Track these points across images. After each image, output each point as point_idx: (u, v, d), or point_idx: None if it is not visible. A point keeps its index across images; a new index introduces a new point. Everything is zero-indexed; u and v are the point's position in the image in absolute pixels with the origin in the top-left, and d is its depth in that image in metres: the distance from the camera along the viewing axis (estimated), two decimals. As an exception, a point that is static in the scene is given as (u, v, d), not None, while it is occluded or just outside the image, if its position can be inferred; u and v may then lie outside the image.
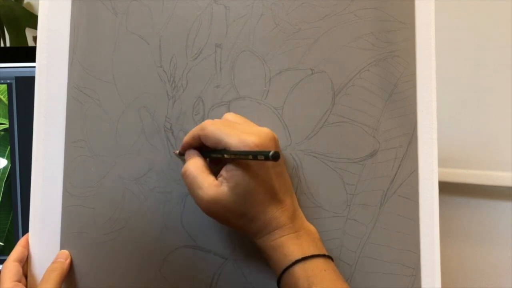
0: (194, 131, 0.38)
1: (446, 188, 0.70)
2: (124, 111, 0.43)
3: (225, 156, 0.35)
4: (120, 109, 0.43)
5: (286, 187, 0.37)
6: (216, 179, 0.36)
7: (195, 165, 0.37)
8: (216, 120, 0.38)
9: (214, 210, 0.36)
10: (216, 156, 0.36)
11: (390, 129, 0.41)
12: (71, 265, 0.42)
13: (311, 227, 0.38)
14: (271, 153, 0.31)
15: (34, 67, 0.44)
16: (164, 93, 0.42)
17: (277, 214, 0.36)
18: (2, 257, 0.59)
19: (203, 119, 0.42)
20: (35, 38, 0.85)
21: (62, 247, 0.42)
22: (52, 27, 0.44)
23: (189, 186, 0.37)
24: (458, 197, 0.72)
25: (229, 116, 0.39)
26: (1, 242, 0.60)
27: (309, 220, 0.40)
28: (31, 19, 0.77)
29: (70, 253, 0.42)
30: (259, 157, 0.32)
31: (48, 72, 0.43)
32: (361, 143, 0.41)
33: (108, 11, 0.43)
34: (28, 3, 0.89)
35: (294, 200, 0.38)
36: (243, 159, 0.34)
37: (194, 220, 0.41)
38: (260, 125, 0.41)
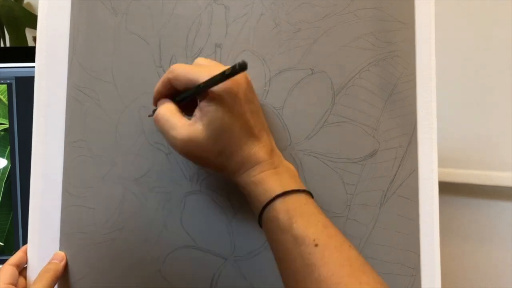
0: (163, 77, 0.37)
1: (446, 188, 0.70)
2: (124, 111, 0.43)
3: (197, 90, 0.34)
4: (120, 109, 0.43)
5: (262, 124, 0.37)
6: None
7: (166, 108, 0.36)
8: (185, 64, 0.37)
9: (189, 149, 0.35)
10: (188, 95, 0.36)
11: (390, 129, 0.41)
12: (69, 265, 0.42)
13: (290, 165, 0.38)
14: (237, 63, 0.30)
15: (34, 67, 0.44)
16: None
17: (255, 149, 0.35)
18: (2, 257, 0.59)
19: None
20: (35, 38, 0.85)
21: (61, 247, 0.42)
22: (52, 27, 0.44)
23: (162, 129, 0.36)
24: (458, 197, 0.72)
25: (200, 60, 0.38)
26: (1, 242, 0.60)
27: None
28: (31, 19, 0.77)
29: (66, 254, 0.42)
30: (227, 73, 0.31)
31: (48, 72, 0.43)
32: (361, 143, 0.41)
33: (108, 11, 0.43)
34: (28, 3, 0.89)
35: (271, 138, 0.38)
36: (213, 84, 0.33)
37: (194, 220, 0.41)
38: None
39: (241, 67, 0.30)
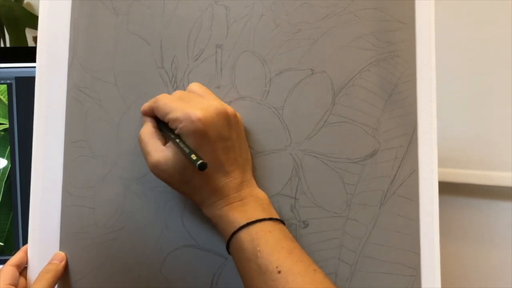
0: (150, 102, 0.39)
1: (446, 188, 0.70)
2: (125, 111, 0.43)
3: (171, 136, 0.36)
4: (121, 110, 0.43)
5: (236, 161, 0.38)
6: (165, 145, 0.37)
7: (145, 131, 0.39)
8: (175, 93, 0.39)
9: (158, 173, 0.37)
10: (165, 133, 0.38)
11: (390, 129, 0.42)
12: (70, 265, 0.42)
13: (260, 193, 0.38)
14: (198, 163, 0.32)
15: (34, 67, 0.44)
16: (166, 93, 0.42)
17: (222, 184, 0.36)
18: (2, 257, 0.59)
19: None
20: (35, 38, 0.85)
21: (61, 247, 0.42)
22: (52, 27, 0.44)
23: (142, 151, 0.38)
24: (458, 197, 0.72)
25: (194, 86, 0.40)
26: (1, 242, 0.60)
27: (309, 220, 0.40)
28: (31, 19, 0.77)
29: (66, 254, 0.42)
30: (189, 159, 0.33)
31: (48, 72, 0.43)
32: (361, 143, 0.41)
33: (109, 12, 0.43)
34: (28, 3, 0.89)
35: (245, 171, 0.38)
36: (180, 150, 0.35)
37: (195, 220, 0.41)
38: (260, 125, 0.41)
39: (200, 168, 0.32)
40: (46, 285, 0.39)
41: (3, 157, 0.60)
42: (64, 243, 0.42)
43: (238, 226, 0.35)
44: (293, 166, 0.41)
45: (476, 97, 0.70)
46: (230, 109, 0.38)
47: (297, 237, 0.40)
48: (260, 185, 0.40)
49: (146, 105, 0.40)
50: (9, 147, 0.59)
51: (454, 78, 0.71)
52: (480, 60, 0.70)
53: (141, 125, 0.42)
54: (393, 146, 0.41)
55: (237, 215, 0.36)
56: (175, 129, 0.36)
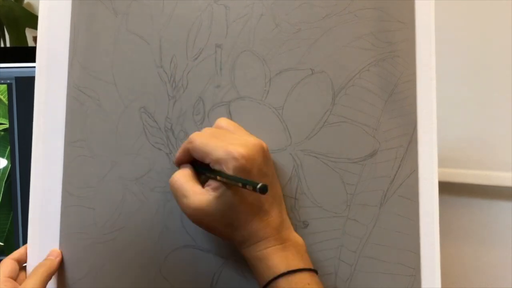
0: (183, 145, 0.38)
1: (446, 188, 0.70)
2: (124, 111, 0.43)
3: (218, 178, 0.35)
4: (120, 109, 0.43)
5: (274, 198, 0.37)
6: (203, 187, 0.36)
7: (181, 173, 0.37)
8: (205, 130, 0.38)
9: (199, 218, 0.36)
10: (210, 176, 0.36)
11: (390, 129, 0.42)
12: (70, 265, 0.42)
13: (299, 239, 0.38)
14: (258, 186, 0.31)
15: (34, 67, 0.44)
16: (165, 93, 0.42)
17: (263, 225, 0.36)
18: (2, 257, 0.59)
19: (203, 119, 0.42)
20: (35, 38, 0.85)
21: (61, 247, 0.42)
22: (52, 27, 0.44)
23: (174, 194, 0.37)
24: (458, 197, 0.72)
25: (222, 122, 0.39)
26: (1, 242, 0.60)
27: (309, 220, 0.40)
28: (31, 19, 0.77)
29: (66, 253, 0.42)
30: (247, 187, 0.32)
31: (48, 72, 0.43)
32: (361, 143, 0.41)
33: (108, 11, 0.43)
34: (28, 3, 0.89)
35: (282, 210, 0.38)
36: (233, 184, 0.34)
37: (194, 220, 0.41)
38: (260, 125, 0.41)
39: (261, 191, 0.31)
40: (39, 279, 0.39)
41: (3, 157, 0.60)
42: (63, 243, 0.42)
43: (278, 272, 0.34)
44: (293, 166, 0.41)
45: (476, 97, 0.70)
46: (264, 143, 0.37)
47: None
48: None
49: (180, 150, 0.38)
50: (9, 147, 0.60)
51: (454, 78, 0.71)
52: (480, 60, 0.70)
53: (141, 125, 0.42)
54: (393, 146, 0.41)
55: (277, 260, 0.35)
56: (219, 170, 0.35)
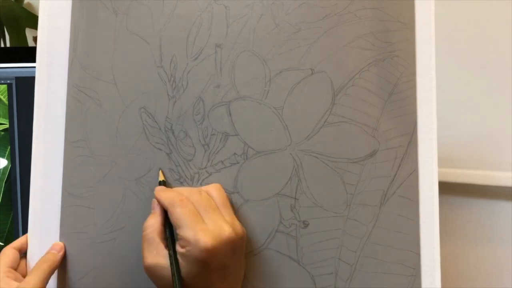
0: (166, 201, 0.38)
1: (446, 188, 0.70)
2: (124, 111, 0.43)
3: (171, 251, 0.37)
4: (120, 109, 0.43)
5: (234, 283, 0.38)
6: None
7: (152, 227, 0.38)
8: (193, 195, 0.38)
9: (149, 275, 0.37)
10: (168, 240, 0.38)
11: (390, 129, 0.42)
12: (69, 265, 0.42)
13: None
14: None
15: (34, 67, 0.44)
16: (165, 93, 0.42)
17: None
18: (2, 257, 0.59)
19: (203, 119, 0.42)
20: (35, 38, 0.85)
21: (61, 247, 0.42)
22: (52, 27, 0.44)
23: (143, 241, 0.38)
24: (458, 197, 0.72)
25: (214, 192, 0.40)
26: (1, 242, 0.60)
27: (309, 220, 0.40)
28: (31, 19, 0.77)
29: (65, 245, 0.42)
30: (173, 284, 0.34)
31: (48, 72, 0.44)
32: (361, 143, 0.41)
33: (108, 11, 0.43)
34: (28, 3, 0.89)
35: None
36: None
37: (194, 220, 0.41)
38: (260, 125, 0.41)
39: None
40: (42, 275, 0.39)
41: (3, 157, 0.60)
42: (63, 243, 0.42)
43: None
44: (293, 166, 0.41)
45: (476, 97, 0.70)
46: (239, 232, 0.38)
47: (297, 237, 0.40)
48: (260, 185, 0.40)
49: (162, 200, 0.39)
50: (9, 147, 0.60)
51: (454, 78, 0.71)
52: (480, 60, 0.70)
53: (141, 125, 0.42)
54: (393, 146, 0.41)
55: None
56: (181, 246, 0.36)
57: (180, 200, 0.37)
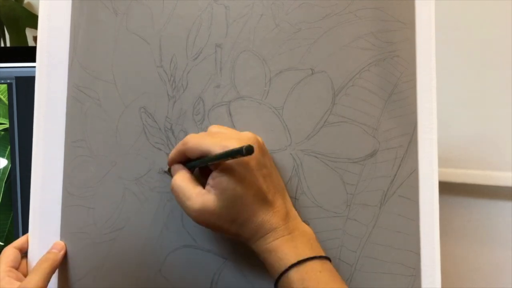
0: (177, 147, 0.38)
1: (446, 188, 0.70)
2: (124, 111, 0.43)
3: (208, 164, 0.35)
4: (120, 109, 0.43)
5: (276, 188, 0.37)
6: (204, 188, 0.36)
7: (181, 177, 0.37)
8: (200, 133, 0.38)
9: (204, 219, 0.36)
10: (198, 165, 0.37)
11: (390, 129, 0.42)
12: (70, 265, 0.42)
13: (306, 228, 0.38)
14: (244, 147, 0.31)
15: (34, 67, 0.44)
16: (165, 93, 0.42)
17: (269, 216, 0.36)
18: (2, 257, 0.59)
19: (203, 119, 0.42)
20: (35, 38, 0.85)
21: (62, 247, 0.42)
22: (52, 27, 0.44)
23: (178, 200, 0.37)
24: (458, 197, 0.72)
25: (213, 128, 0.40)
26: (1, 242, 0.60)
27: (309, 220, 0.40)
28: (31, 19, 0.77)
29: (66, 244, 0.42)
30: (236, 156, 0.32)
31: (48, 72, 0.44)
32: (361, 143, 0.41)
33: (108, 11, 0.43)
34: (28, 3, 0.89)
35: (286, 201, 0.38)
36: (223, 160, 0.34)
37: (194, 220, 0.41)
38: (260, 125, 0.41)
39: (248, 151, 0.31)
40: (43, 274, 0.39)
41: (3, 157, 0.60)
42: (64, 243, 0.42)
43: (288, 264, 0.34)
44: (293, 166, 0.41)
45: (476, 97, 0.70)
46: (258, 137, 0.37)
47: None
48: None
49: (173, 151, 0.38)
50: (9, 147, 0.60)
51: (454, 78, 0.71)
52: (480, 60, 0.70)
53: (141, 125, 0.42)
54: (393, 146, 0.41)
55: (287, 251, 0.35)
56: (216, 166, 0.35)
57: (189, 136, 0.37)
